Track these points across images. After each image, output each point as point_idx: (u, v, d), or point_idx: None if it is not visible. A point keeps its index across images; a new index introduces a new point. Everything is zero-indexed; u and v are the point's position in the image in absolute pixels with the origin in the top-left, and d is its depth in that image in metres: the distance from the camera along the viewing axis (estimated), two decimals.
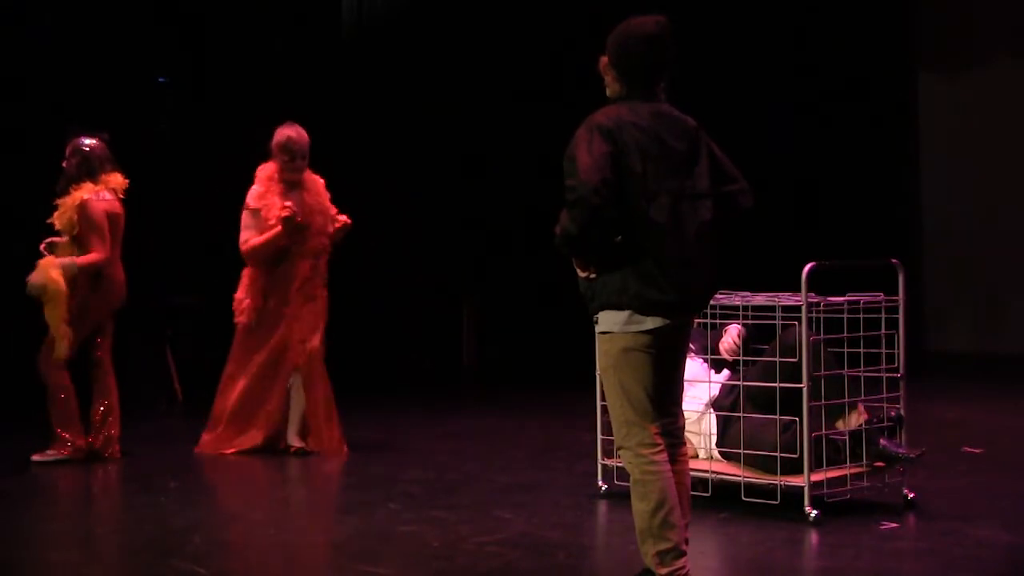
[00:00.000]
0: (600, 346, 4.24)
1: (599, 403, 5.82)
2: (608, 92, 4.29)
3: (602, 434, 5.91)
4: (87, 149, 7.18)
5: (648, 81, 4.23)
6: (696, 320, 5.94)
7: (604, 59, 4.28)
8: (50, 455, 7.12)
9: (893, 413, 5.77)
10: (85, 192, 7.07)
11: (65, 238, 7.10)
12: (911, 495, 5.75)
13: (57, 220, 7.11)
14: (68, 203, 7.09)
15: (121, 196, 7.23)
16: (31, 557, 5.12)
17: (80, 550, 5.25)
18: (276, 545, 5.26)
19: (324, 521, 5.65)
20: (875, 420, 5.73)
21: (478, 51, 12.38)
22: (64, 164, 7.20)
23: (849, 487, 5.58)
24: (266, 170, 7.50)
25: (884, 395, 5.78)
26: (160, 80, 11.57)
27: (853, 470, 5.59)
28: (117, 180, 7.23)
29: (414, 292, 12.39)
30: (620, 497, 5.54)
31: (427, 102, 12.25)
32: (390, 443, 7.97)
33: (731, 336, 5.99)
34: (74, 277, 7.02)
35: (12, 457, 7.43)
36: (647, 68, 4.22)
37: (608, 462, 5.92)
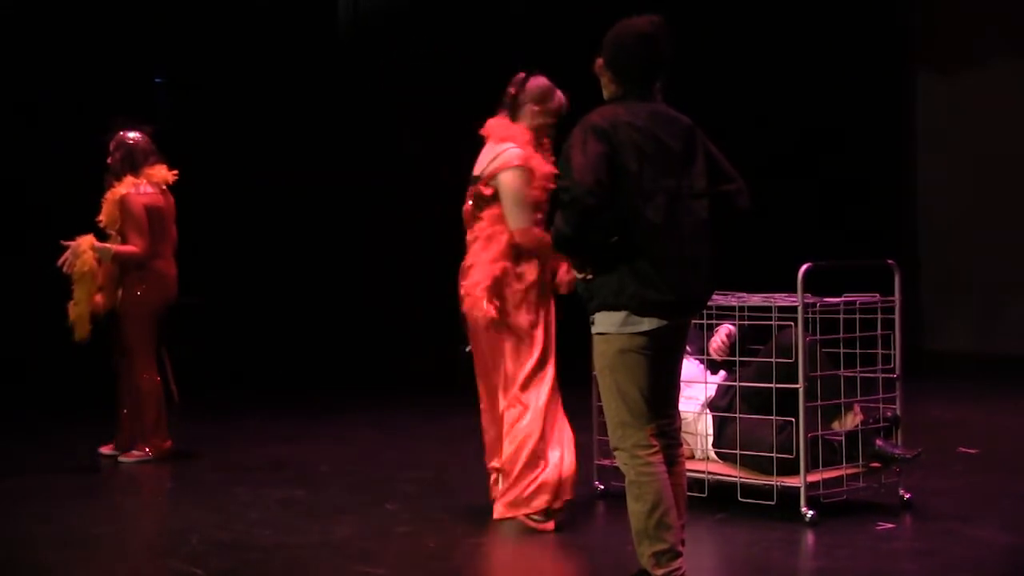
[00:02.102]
0: (596, 347, 4.24)
1: (595, 404, 5.82)
2: (605, 93, 4.30)
3: (598, 435, 5.92)
4: (130, 143, 7.22)
5: (644, 81, 4.23)
6: (692, 321, 5.97)
7: (599, 60, 4.29)
8: (136, 455, 7.21)
9: (889, 414, 5.78)
10: (125, 187, 7.12)
11: (113, 234, 7.17)
12: (907, 495, 5.76)
13: (103, 216, 7.18)
14: (110, 199, 7.15)
15: (163, 188, 7.24)
16: (31, 557, 5.13)
17: (79, 550, 5.26)
18: (275, 545, 5.27)
19: (322, 521, 5.66)
20: (871, 421, 5.75)
21: (476, 50, 12.38)
22: (109, 160, 7.25)
23: (845, 488, 5.59)
24: (508, 127, 5.57)
25: (880, 396, 5.79)
26: (158, 80, 11.58)
27: (849, 471, 5.60)
28: (161, 173, 7.26)
29: (413, 291, 12.40)
30: (617, 497, 5.53)
31: (425, 101, 12.26)
32: (388, 443, 7.98)
33: (719, 336, 6.00)
34: (115, 265, 7.10)
35: (11, 457, 7.46)
36: (642, 68, 4.22)
37: (605, 463, 5.93)
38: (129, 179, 7.14)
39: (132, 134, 7.26)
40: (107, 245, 7.06)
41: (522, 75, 5.60)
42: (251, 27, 11.81)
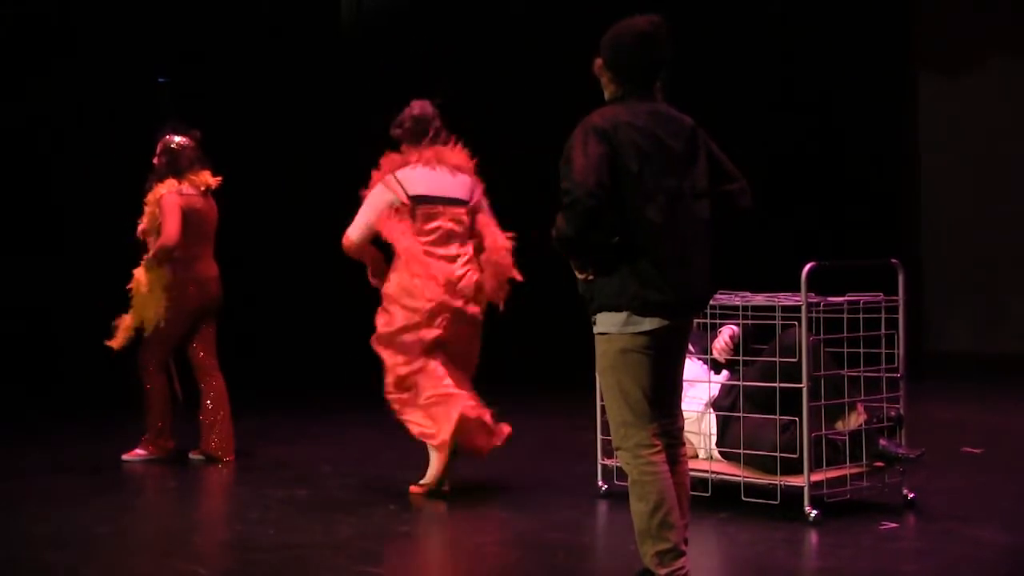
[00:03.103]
0: (598, 347, 4.22)
1: (599, 403, 5.82)
2: (605, 94, 4.29)
3: (602, 434, 5.91)
4: (176, 147, 7.23)
5: (644, 80, 4.22)
6: (696, 321, 5.95)
7: (599, 61, 4.27)
8: (139, 454, 7.21)
9: (893, 413, 5.77)
10: (165, 188, 7.13)
11: (153, 237, 7.18)
12: (911, 495, 5.75)
13: (145, 221, 7.19)
14: (151, 199, 7.17)
15: (202, 190, 7.24)
16: (31, 557, 5.12)
17: (80, 550, 5.25)
18: (276, 545, 5.26)
19: (323, 521, 5.65)
20: (875, 420, 5.73)
21: (476, 51, 12.38)
22: (155, 161, 7.26)
23: (849, 487, 5.58)
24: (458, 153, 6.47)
25: (884, 395, 5.78)
26: (160, 80, 11.57)
27: (853, 470, 5.59)
28: (204, 177, 7.27)
29: None
30: (620, 497, 5.53)
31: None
32: (389, 443, 7.96)
33: (723, 337, 6.00)
34: (166, 270, 7.13)
35: (11, 457, 7.45)
36: (642, 67, 4.21)
37: (608, 462, 5.92)
38: (171, 182, 7.16)
39: (178, 138, 7.27)
40: (146, 257, 7.12)
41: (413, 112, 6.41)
42: (254, 27, 11.80)
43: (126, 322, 7.18)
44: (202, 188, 7.26)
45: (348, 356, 11.47)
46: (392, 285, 6.14)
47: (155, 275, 7.13)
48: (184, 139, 7.28)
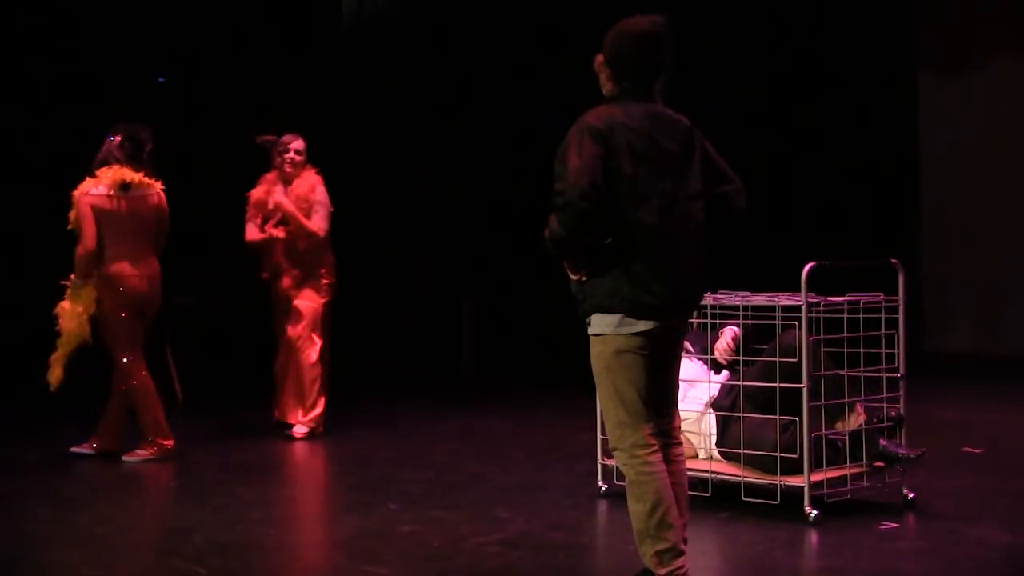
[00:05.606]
0: (592, 348, 4.22)
1: (598, 403, 5.81)
2: (604, 91, 4.29)
3: (601, 434, 5.90)
4: (104, 146, 7.20)
5: (642, 81, 4.21)
6: (696, 321, 5.96)
7: (600, 57, 4.27)
8: (140, 455, 7.21)
9: (893, 413, 5.77)
10: (80, 188, 7.09)
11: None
12: (911, 495, 5.75)
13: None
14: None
15: (111, 191, 7.09)
16: (31, 557, 5.12)
17: (80, 550, 5.25)
18: (276, 545, 5.26)
19: (324, 521, 5.65)
20: (875, 420, 5.73)
21: (477, 50, 12.39)
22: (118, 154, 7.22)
23: (849, 487, 5.58)
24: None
25: (884, 395, 5.78)
26: (160, 80, 11.57)
27: (853, 470, 5.59)
28: (115, 174, 7.11)
29: (414, 292, 12.39)
30: (620, 497, 5.52)
31: (426, 101, 12.25)
32: (390, 443, 7.97)
33: (725, 338, 5.99)
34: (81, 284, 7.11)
35: (11, 459, 7.44)
36: (642, 68, 4.21)
37: (608, 462, 5.92)
38: (88, 181, 7.10)
39: (110, 137, 7.22)
40: (73, 278, 7.10)
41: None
42: (254, 28, 11.80)
43: (58, 353, 7.18)
44: (116, 188, 7.12)
45: (346, 356, 11.52)
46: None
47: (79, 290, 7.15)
48: (113, 137, 7.22)
